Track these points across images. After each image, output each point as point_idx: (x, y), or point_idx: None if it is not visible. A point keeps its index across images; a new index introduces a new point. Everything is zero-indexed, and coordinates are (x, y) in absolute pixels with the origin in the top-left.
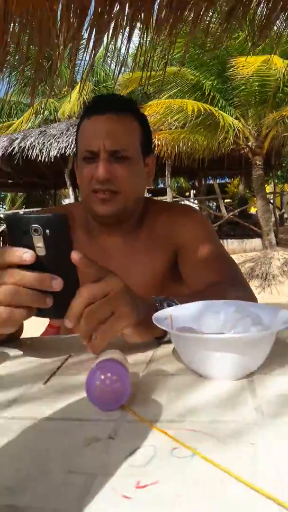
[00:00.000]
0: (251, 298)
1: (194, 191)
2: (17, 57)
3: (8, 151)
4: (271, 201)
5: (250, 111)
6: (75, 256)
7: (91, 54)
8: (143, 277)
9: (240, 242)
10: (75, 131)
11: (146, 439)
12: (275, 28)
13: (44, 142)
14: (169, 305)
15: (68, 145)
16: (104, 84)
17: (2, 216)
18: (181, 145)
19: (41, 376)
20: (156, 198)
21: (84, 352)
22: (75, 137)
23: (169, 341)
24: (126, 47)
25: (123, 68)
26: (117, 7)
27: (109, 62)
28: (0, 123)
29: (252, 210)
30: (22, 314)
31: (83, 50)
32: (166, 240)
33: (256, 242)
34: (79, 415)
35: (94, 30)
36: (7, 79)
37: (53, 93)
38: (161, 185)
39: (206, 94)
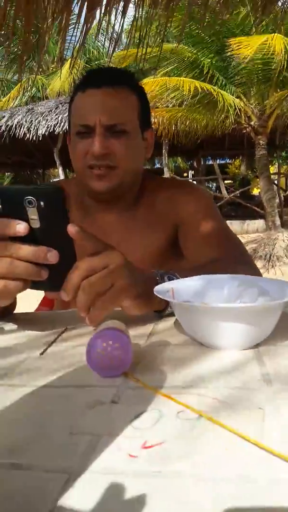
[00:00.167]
0: (257, 275)
1: (193, 171)
2: (2, 32)
3: None
4: (275, 182)
5: (252, 90)
6: (71, 228)
7: (82, 29)
8: (141, 254)
9: (242, 223)
10: (68, 106)
11: (150, 404)
12: (279, 4)
13: (32, 120)
14: (170, 279)
15: (57, 123)
16: (96, 62)
17: None
18: (178, 123)
19: (37, 347)
20: None
21: (81, 326)
22: (68, 112)
23: (169, 315)
24: (120, 22)
25: (117, 46)
26: None
27: (101, 39)
28: None
29: (255, 191)
30: (18, 287)
31: (73, 25)
32: (165, 216)
33: (259, 223)
34: (80, 382)
35: (86, 3)
36: None
37: (41, 69)
38: (157, 165)
39: (205, 72)
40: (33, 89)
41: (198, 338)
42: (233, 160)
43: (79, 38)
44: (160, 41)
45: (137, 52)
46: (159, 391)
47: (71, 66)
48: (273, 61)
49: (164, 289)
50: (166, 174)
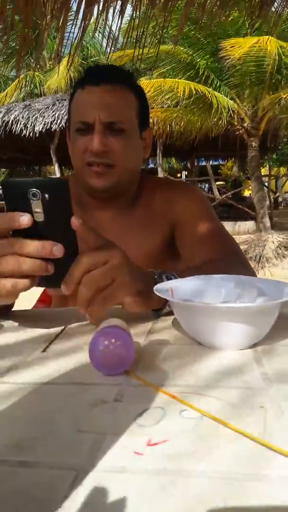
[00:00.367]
0: (251, 275)
1: (186, 172)
2: (1, 26)
3: None
4: (266, 184)
5: (245, 92)
6: (75, 221)
7: (80, 26)
8: (138, 253)
9: (233, 224)
10: (68, 103)
11: (153, 402)
12: (274, 7)
13: (28, 117)
14: (168, 278)
15: (54, 120)
16: (93, 59)
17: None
18: (173, 124)
19: (38, 344)
20: None
21: (81, 323)
22: (67, 109)
23: (167, 314)
24: (118, 22)
25: (114, 47)
26: None
27: (98, 37)
28: None
29: (246, 193)
30: (25, 284)
31: (71, 22)
32: (162, 216)
33: (250, 224)
34: (82, 380)
35: (84, 0)
36: None
37: (38, 66)
38: (151, 165)
39: (200, 73)
40: (31, 86)
41: (197, 338)
42: (226, 161)
43: (77, 35)
44: (156, 42)
45: (134, 52)
46: (162, 390)
47: (69, 63)
48: (266, 63)
49: (163, 288)
50: (160, 174)
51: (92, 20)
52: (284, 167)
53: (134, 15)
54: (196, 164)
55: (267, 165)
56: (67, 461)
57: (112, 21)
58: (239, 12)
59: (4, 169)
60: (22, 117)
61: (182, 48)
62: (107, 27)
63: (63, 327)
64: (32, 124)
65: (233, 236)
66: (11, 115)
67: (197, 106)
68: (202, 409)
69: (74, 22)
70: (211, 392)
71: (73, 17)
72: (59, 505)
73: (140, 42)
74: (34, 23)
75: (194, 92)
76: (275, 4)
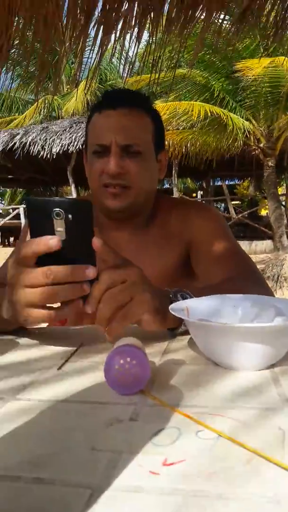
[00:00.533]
0: (269, 294)
1: (202, 192)
2: (20, 51)
3: (8, 146)
4: (283, 203)
5: (261, 113)
6: (96, 242)
7: (98, 52)
8: (153, 272)
9: (249, 243)
10: (85, 126)
11: (169, 422)
12: None
13: (46, 139)
14: (183, 297)
15: (71, 142)
16: (109, 82)
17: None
18: (189, 145)
19: (54, 362)
20: None
21: (97, 341)
22: (84, 131)
23: (182, 333)
24: (134, 47)
25: (130, 72)
26: (125, 5)
27: (115, 62)
28: (1, 118)
29: (263, 212)
30: (70, 312)
31: (88, 48)
32: (177, 235)
33: (267, 244)
34: (98, 399)
35: (102, 27)
36: (10, 74)
37: (56, 91)
38: (167, 185)
39: (215, 95)
40: (49, 109)
41: (213, 358)
42: (242, 181)
43: (94, 61)
44: (172, 65)
45: (150, 76)
46: (178, 410)
47: (87, 87)
48: (281, 83)
49: (179, 307)
50: (175, 194)
51: (110, 45)
52: None
53: (151, 40)
54: (211, 184)
55: (284, 185)
56: (82, 479)
57: (129, 47)
58: (253, 37)
59: (21, 189)
60: (40, 139)
61: (197, 71)
62: (124, 52)
63: (78, 345)
64: (50, 146)
65: (250, 255)
66: (28, 136)
67: (212, 128)
68: (218, 430)
69: (92, 48)
70: (228, 413)
71: (91, 43)
72: None
73: (156, 66)
74: (53, 49)
75: (209, 114)
76: None
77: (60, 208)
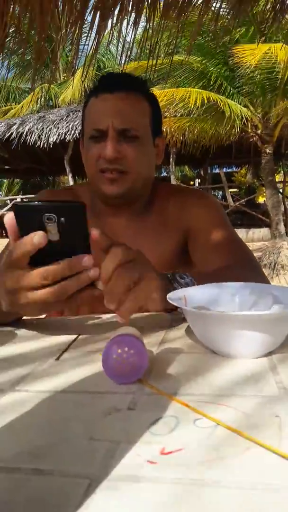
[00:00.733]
0: (265, 282)
1: (199, 180)
2: (17, 40)
3: (5, 136)
4: (281, 190)
5: (259, 99)
6: (94, 232)
7: (94, 39)
8: (151, 258)
9: (247, 231)
10: (82, 111)
11: (167, 410)
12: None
13: (43, 128)
14: (181, 277)
15: (67, 131)
16: (106, 70)
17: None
18: (186, 132)
19: (51, 353)
20: None
21: (94, 331)
22: (81, 116)
23: (179, 319)
24: (132, 33)
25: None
26: None
27: (112, 49)
28: None
29: (260, 200)
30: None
31: (85, 35)
32: (175, 222)
33: (264, 231)
34: (96, 388)
35: (98, 13)
36: (6, 62)
37: (52, 79)
38: (164, 174)
39: (213, 82)
40: (46, 98)
41: (211, 346)
42: (240, 168)
43: (91, 47)
44: (170, 52)
45: (148, 63)
46: (176, 399)
47: (84, 75)
48: (278, 70)
49: (177, 296)
50: (173, 182)
51: (106, 31)
52: None
53: (148, 26)
54: (209, 171)
55: (282, 172)
56: (81, 469)
57: (126, 33)
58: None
59: (18, 180)
60: (37, 128)
61: (195, 58)
62: (121, 38)
63: (76, 335)
64: (47, 135)
65: (247, 243)
66: (25, 126)
67: (210, 114)
68: (216, 418)
69: (89, 35)
70: (225, 401)
71: (87, 29)
72: None
73: (154, 52)
74: (49, 36)
75: (206, 101)
76: None
77: (51, 213)
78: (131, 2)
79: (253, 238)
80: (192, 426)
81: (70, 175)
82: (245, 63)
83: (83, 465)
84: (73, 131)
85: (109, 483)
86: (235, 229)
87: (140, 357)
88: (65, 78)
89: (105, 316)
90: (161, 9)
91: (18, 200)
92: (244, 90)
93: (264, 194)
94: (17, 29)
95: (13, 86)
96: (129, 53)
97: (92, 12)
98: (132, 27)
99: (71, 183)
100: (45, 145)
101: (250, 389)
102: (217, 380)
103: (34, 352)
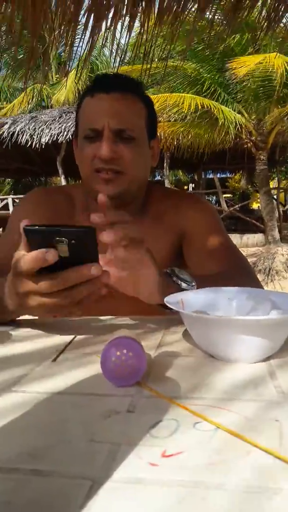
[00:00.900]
0: (259, 288)
1: (193, 184)
2: (9, 39)
3: None
4: (275, 197)
5: (253, 106)
6: (96, 217)
7: (88, 41)
8: None
9: (241, 237)
10: (75, 111)
11: (166, 413)
12: (283, 23)
13: (35, 128)
14: (180, 273)
15: (60, 132)
16: (99, 72)
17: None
18: (180, 137)
19: (48, 354)
20: None
21: (90, 333)
22: (75, 116)
23: (175, 321)
24: (126, 36)
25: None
26: None
27: (105, 51)
28: None
29: (254, 206)
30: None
31: (78, 37)
32: (171, 226)
33: (258, 237)
34: (93, 390)
35: (92, 15)
36: None
37: (45, 80)
38: (158, 177)
39: (206, 88)
40: (39, 98)
41: (209, 350)
42: (234, 174)
43: (85, 49)
44: (164, 57)
45: (142, 67)
46: (175, 402)
47: (78, 76)
48: (273, 78)
49: (174, 300)
50: (167, 186)
51: (100, 34)
52: None
53: (142, 30)
54: (203, 176)
55: (276, 178)
56: (82, 470)
57: (120, 36)
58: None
59: (9, 180)
60: (28, 128)
61: (189, 63)
62: (115, 41)
63: (72, 336)
64: (39, 136)
65: (241, 249)
66: (17, 126)
67: (204, 120)
68: (216, 422)
69: (83, 37)
70: (225, 405)
71: (81, 31)
72: None
73: (148, 56)
74: (42, 36)
75: (200, 107)
76: (284, 20)
77: (63, 237)
78: (125, 6)
79: (248, 243)
80: (193, 430)
81: (62, 177)
82: (236, 75)
83: (84, 467)
84: (65, 132)
85: (111, 485)
86: (230, 235)
87: (139, 359)
88: (58, 79)
89: (101, 318)
90: (155, 14)
91: (9, 199)
92: (238, 97)
93: (258, 200)
94: (9, 28)
95: (4, 85)
96: (122, 56)
97: (86, 14)
98: (126, 31)
99: (64, 183)
100: (37, 146)
101: (249, 393)
102: (215, 384)
103: (30, 353)
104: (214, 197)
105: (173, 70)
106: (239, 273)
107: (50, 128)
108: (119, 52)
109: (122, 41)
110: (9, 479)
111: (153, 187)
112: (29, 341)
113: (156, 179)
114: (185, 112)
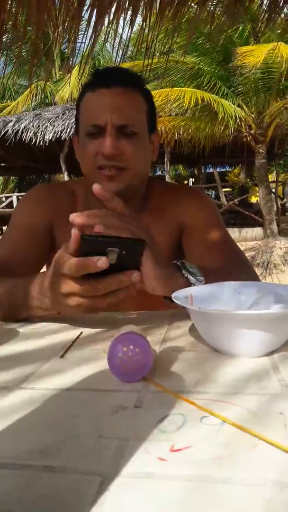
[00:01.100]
0: None
1: (193, 179)
2: (13, 37)
3: (1, 134)
4: (273, 190)
5: (253, 99)
6: (96, 186)
7: (91, 36)
8: None
9: (240, 230)
10: (76, 106)
11: (173, 408)
12: (284, 13)
13: (39, 126)
14: (190, 266)
15: (63, 129)
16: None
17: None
18: (181, 132)
19: (55, 350)
20: None
21: (97, 328)
22: (75, 112)
23: (180, 315)
24: (128, 30)
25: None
26: None
27: (107, 47)
28: None
29: (253, 199)
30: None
31: (81, 33)
32: (171, 220)
33: (257, 231)
34: (101, 386)
35: (95, 11)
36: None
37: (48, 76)
38: (158, 173)
39: (206, 82)
40: (42, 95)
41: (214, 345)
42: (233, 168)
43: (88, 45)
44: (165, 51)
45: (144, 62)
46: (181, 396)
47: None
48: (274, 69)
49: (183, 295)
50: (168, 181)
51: (103, 29)
52: None
53: (144, 25)
54: (203, 171)
55: (275, 171)
56: (92, 466)
57: (122, 31)
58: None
59: (14, 177)
60: (32, 126)
61: (190, 57)
62: (117, 36)
63: (79, 332)
64: (42, 133)
65: (240, 242)
66: (21, 124)
67: (204, 114)
68: (222, 416)
69: (86, 32)
70: (230, 399)
71: (84, 27)
72: (88, 509)
73: (149, 51)
74: (46, 33)
75: (200, 101)
76: (285, 10)
77: (117, 248)
78: (127, 0)
79: (246, 237)
80: (199, 424)
81: (65, 173)
82: (248, 64)
83: (93, 463)
84: (68, 129)
85: (121, 480)
86: (229, 228)
87: (145, 355)
88: (61, 76)
89: (105, 313)
90: (157, 7)
91: (14, 197)
92: (238, 90)
93: (257, 193)
94: (14, 26)
95: (9, 83)
96: (124, 51)
97: (89, 10)
98: (129, 25)
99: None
100: (41, 143)
101: (253, 387)
102: (220, 378)
103: (38, 350)
104: (214, 191)
105: (174, 64)
106: (238, 269)
107: (54, 125)
108: (121, 46)
109: (124, 36)
110: (20, 475)
111: (154, 182)
112: (35, 338)
113: (157, 174)
114: (186, 106)
